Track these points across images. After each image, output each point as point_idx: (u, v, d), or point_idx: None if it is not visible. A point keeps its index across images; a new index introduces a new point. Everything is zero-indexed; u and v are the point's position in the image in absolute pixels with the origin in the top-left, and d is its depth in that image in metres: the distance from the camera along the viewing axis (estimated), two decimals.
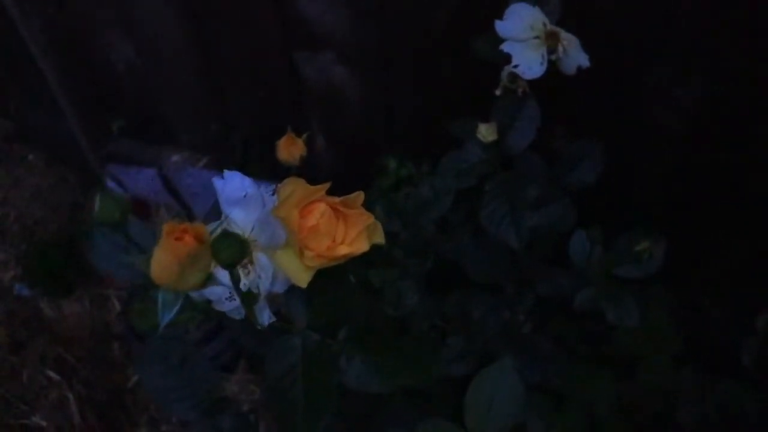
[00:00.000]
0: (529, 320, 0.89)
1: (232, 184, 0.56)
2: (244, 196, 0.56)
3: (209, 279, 0.42)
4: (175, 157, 1.57)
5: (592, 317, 0.78)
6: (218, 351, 1.28)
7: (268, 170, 1.44)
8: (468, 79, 0.93)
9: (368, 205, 0.94)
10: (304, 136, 0.59)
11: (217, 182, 0.57)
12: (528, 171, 0.78)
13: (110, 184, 1.65)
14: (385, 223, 0.84)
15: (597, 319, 0.76)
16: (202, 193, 1.57)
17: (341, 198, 0.52)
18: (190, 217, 1.62)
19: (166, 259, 0.39)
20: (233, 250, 0.43)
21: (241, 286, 0.55)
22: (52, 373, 1.36)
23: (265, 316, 0.56)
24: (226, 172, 0.57)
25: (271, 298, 0.57)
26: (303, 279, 0.51)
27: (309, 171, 1.42)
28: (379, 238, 0.54)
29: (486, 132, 0.80)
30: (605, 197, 0.94)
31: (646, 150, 1.01)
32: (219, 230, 0.47)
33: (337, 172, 1.37)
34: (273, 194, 0.55)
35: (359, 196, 0.53)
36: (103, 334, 1.43)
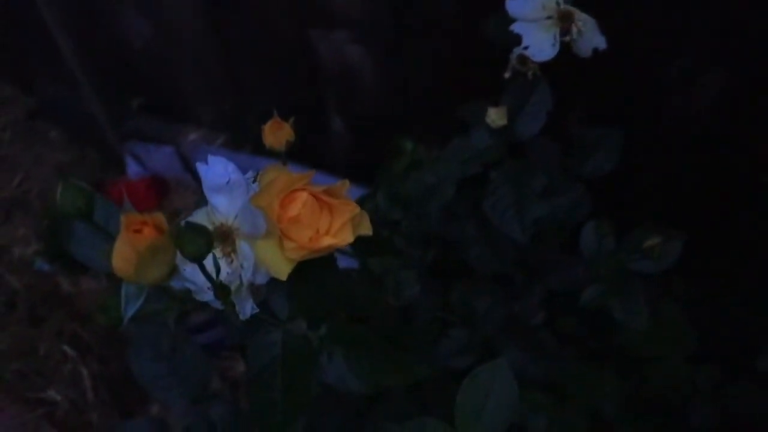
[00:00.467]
0: (540, 312, 0.86)
1: (215, 170, 0.54)
2: (227, 182, 0.54)
3: (173, 272, 0.39)
4: (193, 136, 1.56)
5: (601, 313, 0.74)
6: (222, 336, 1.27)
7: (287, 153, 1.43)
8: (483, 60, 0.90)
9: (372, 191, 0.92)
10: (291, 120, 0.57)
11: (200, 167, 0.55)
12: (539, 158, 0.75)
13: (129, 160, 1.65)
14: (386, 211, 0.82)
15: (607, 315, 0.73)
16: None
17: (325, 187, 0.50)
18: None
19: (125, 251, 0.37)
20: (198, 244, 0.40)
21: (224, 275, 0.53)
22: (67, 349, 1.37)
23: (248, 308, 0.54)
24: (210, 157, 0.54)
25: (256, 289, 0.55)
26: (282, 271, 0.49)
27: (324, 152, 1.41)
28: (366, 229, 0.52)
29: (495, 116, 0.77)
30: (621, 188, 0.90)
31: (664, 139, 0.97)
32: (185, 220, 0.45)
33: (353, 154, 1.35)
34: (254, 181, 0.53)
35: (343, 185, 0.50)
36: None
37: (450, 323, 0.80)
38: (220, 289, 0.48)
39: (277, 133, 0.55)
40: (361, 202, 0.84)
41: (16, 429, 1.22)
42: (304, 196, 0.49)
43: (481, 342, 0.80)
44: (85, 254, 0.52)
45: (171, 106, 1.57)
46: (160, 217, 0.38)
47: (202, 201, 0.59)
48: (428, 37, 1.07)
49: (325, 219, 0.50)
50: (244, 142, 1.48)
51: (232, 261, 0.54)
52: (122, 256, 0.37)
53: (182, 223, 0.42)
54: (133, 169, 1.65)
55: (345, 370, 0.51)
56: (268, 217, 0.49)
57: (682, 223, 0.77)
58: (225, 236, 0.54)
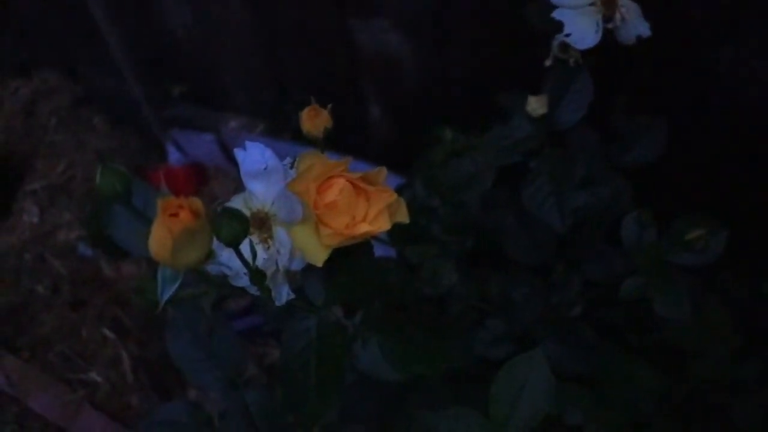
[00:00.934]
0: (579, 303, 0.84)
1: (253, 156, 0.54)
2: (265, 168, 0.54)
3: (209, 256, 0.40)
4: (233, 123, 1.57)
5: (641, 305, 0.73)
6: (258, 323, 1.28)
7: (325, 141, 1.43)
8: (524, 48, 0.89)
9: (410, 179, 0.91)
10: (329, 107, 0.57)
11: (238, 153, 0.55)
12: (579, 148, 0.73)
13: (170, 147, 1.67)
14: (424, 199, 0.81)
15: (647, 308, 0.71)
16: None
17: (362, 173, 0.49)
18: None
19: (161, 235, 0.37)
20: (234, 229, 0.41)
21: (260, 261, 0.53)
22: (108, 332, 1.39)
23: (284, 294, 0.54)
24: (247, 143, 0.55)
25: (292, 275, 0.56)
26: (319, 257, 0.49)
27: (362, 141, 1.40)
28: (403, 217, 0.51)
29: (535, 105, 0.76)
30: (665, 178, 0.88)
31: (711, 128, 0.94)
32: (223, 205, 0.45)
33: (391, 143, 1.34)
34: (292, 167, 0.53)
35: (380, 172, 0.50)
36: None
37: (486, 313, 0.80)
38: (256, 275, 0.48)
39: (315, 120, 0.55)
40: (398, 191, 0.84)
41: (59, 409, 1.25)
42: (341, 182, 0.49)
43: (517, 333, 0.79)
44: (123, 238, 0.53)
45: (211, 94, 1.58)
46: (196, 202, 0.38)
47: (240, 188, 0.59)
48: (468, 25, 1.06)
49: (361, 206, 0.50)
50: (283, 130, 1.49)
51: (268, 247, 0.55)
52: (159, 239, 0.37)
53: (219, 208, 0.42)
54: (173, 156, 1.67)
55: (379, 358, 0.51)
56: (305, 203, 0.49)
57: (727, 215, 0.75)
58: (262, 222, 0.55)
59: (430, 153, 1.10)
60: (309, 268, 0.51)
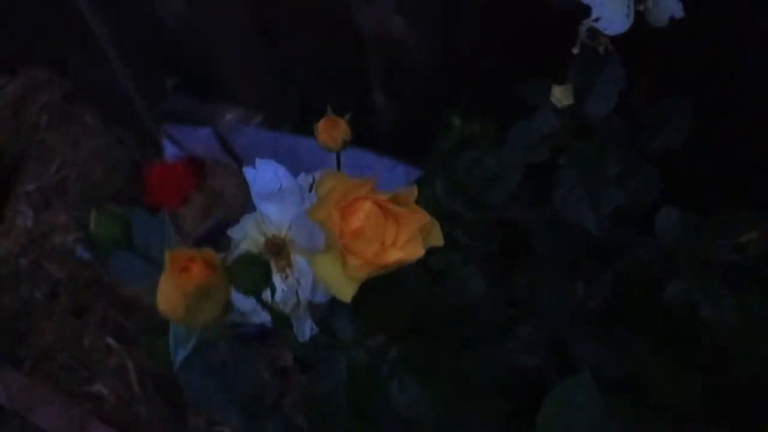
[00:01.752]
0: (595, 296, 0.79)
1: (265, 175, 0.49)
2: (279, 189, 0.48)
3: (228, 311, 0.34)
4: (230, 115, 1.51)
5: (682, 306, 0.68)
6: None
7: None
8: (544, 32, 0.83)
9: (427, 175, 0.86)
10: (347, 116, 0.51)
11: (248, 172, 0.50)
12: (609, 140, 0.68)
13: (166, 142, 1.61)
14: (446, 201, 0.76)
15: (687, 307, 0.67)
16: (258, 152, 1.51)
17: (391, 193, 0.44)
18: None
19: (172, 293, 0.32)
20: (255, 278, 0.35)
21: (279, 293, 0.48)
22: (111, 341, 1.34)
23: (307, 329, 0.49)
24: (258, 161, 0.49)
25: (315, 306, 0.50)
26: (346, 292, 0.44)
27: (368, 129, 1.34)
28: (437, 240, 0.46)
29: (561, 95, 0.70)
30: (693, 166, 0.83)
31: (744, 109, 0.89)
32: (238, 251, 0.40)
33: (397, 133, 1.29)
34: (311, 190, 0.48)
35: (412, 192, 0.44)
36: None
37: (515, 318, 0.75)
38: (278, 320, 0.43)
39: (332, 132, 0.49)
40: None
41: (65, 424, 1.21)
42: (367, 205, 0.44)
43: (550, 337, 0.74)
44: (126, 272, 0.47)
45: (207, 85, 1.52)
46: (210, 254, 0.32)
47: (242, 182, 0.53)
48: (480, 6, 1.00)
49: (390, 230, 0.45)
50: (283, 121, 1.43)
51: (287, 277, 0.49)
52: (169, 297, 0.32)
53: (234, 254, 0.37)
54: (170, 151, 1.61)
55: (418, 399, 0.46)
56: (328, 231, 0.44)
57: (762, 205, 0.70)
58: (278, 249, 0.49)
59: (439, 142, 1.04)
60: (335, 301, 0.46)
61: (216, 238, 1.47)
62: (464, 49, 1.07)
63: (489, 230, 0.72)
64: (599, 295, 0.78)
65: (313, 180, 0.47)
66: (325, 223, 0.44)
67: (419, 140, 1.06)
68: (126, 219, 0.37)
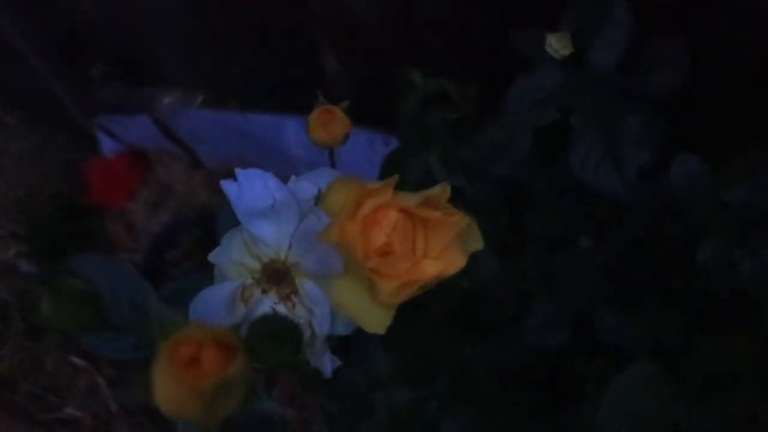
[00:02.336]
0: (608, 253, 0.73)
1: (253, 190, 0.40)
2: (272, 205, 0.40)
3: (251, 396, 0.26)
4: (168, 99, 1.39)
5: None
6: None
7: (278, 105, 1.27)
8: None
9: (409, 144, 0.77)
10: (344, 103, 0.42)
11: (227, 187, 0.41)
12: (620, 91, 0.60)
13: (101, 136, 1.48)
14: (442, 177, 0.67)
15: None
16: (205, 135, 1.40)
17: (422, 195, 0.35)
18: (196, 162, 1.46)
19: (178, 395, 0.23)
20: (284, 349, 0.27)
21: None
22: (77, 359, 1.24)
23: (328, 363, 0.41)
24: (241, 173, 0.40)
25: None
26: (379, 322, 0.36)
27: (322, 94, 1.24)
28: (476, 243, 0.38)
29: (557, 44, 0.62)
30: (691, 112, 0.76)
31: (741, 49, 0.82)
32: (254, 318, 0.31)
33: (355, 99, 1.19)
34: (315, 203, 0.39)
35: (444, 190, 0.36)
36: None
37: (531, 295, 0.68)
38: (291, 366, 0.35)
39: (329, 126, 0.40)
40: (397, 163, 0.70)
41: None
42: (391, 215, 0.35)
43: (568, 312, 0.68)
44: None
45: (138, 69, 1.39)
46: (224, 334, 0.24)
47: (224, 214, 0.44)
48: None
49: (420, 239, 0.37)
50: (228, 98, 1.31)
51: (293, 305, 0.41)
52: (175, 399, 0.24)
53: (251, 322, 0.28)
54: (107, 145, 1.48)
55: None
56: (348, 253, 0.35)
57: None
58: (280, 276, 0.41)
59: (402, 103, 0.96)
60: (361, 333, 0.38)
61: (174, 235, 1.36)
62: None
63: (496, 206, 0.65)
64: (612, 251, 0.71)
65: (319, 192, 0.38)
66: (343, 245, 0.35)
67: (379, 105, 0.97)
68: (94, 294, 0.28)
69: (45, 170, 1.49)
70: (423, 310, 0.39)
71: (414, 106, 0.94)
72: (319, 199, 0.39)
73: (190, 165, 1.46)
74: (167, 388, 0.23)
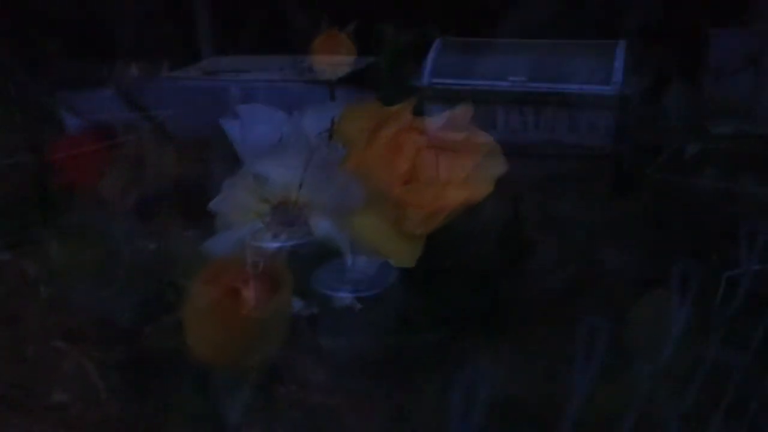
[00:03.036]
0: None
1: (256, 125, 0.37)
2: (280, 139, 0.37)
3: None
4: (132, 69, 1.34)
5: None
6: None
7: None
8: None
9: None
10: (352, 26, 0.39)
11: (228, 126, 0.38)
12: None
13: (65, 114, 1.43)
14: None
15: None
16: (175, 104, 1.36)
17: (445, 116, 0.33)
18: (167, 135, 1.41)
19: (215, 333, 0.20)
20: None
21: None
22: (59, 343, 1.20)
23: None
24: (244, 108, 0.37)
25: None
26: (409, 254, 0.33)
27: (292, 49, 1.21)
28: (499, 167, 0.36)
29: None
30: None
31: None
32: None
33: None
34: (330, 136, 0.36)
35: (467, 110, 0.34)
36: None
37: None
38: None
39: (335, 50, 0.37)
40: None
41: None
42: (413, 138, 0.33)
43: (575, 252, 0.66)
44: None
45: (95, 40, 1.34)
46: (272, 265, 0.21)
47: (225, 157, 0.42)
48: None
49: (444, 164, 0.34)
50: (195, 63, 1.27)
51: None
52: (211, 340, 0.21)
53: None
54: (72, 122, 1.42)
55: None
56: (371, 182, 0.33)
57: None
58: (291, 218, 0.38)
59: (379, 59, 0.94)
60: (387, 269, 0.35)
61: (149, 208, 1.32)
62: None
63: None
64: None
65: (332, 123, 0.35)
66: (363, 173, 0.32)
67: None
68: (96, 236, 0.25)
69: (7, 154, 1.43)
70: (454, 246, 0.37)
71: (391, 60, 0.92)
72: (332, 130, 0.36)
73: (160, 136, 1.41)
74: (203, 328, 0.21)
